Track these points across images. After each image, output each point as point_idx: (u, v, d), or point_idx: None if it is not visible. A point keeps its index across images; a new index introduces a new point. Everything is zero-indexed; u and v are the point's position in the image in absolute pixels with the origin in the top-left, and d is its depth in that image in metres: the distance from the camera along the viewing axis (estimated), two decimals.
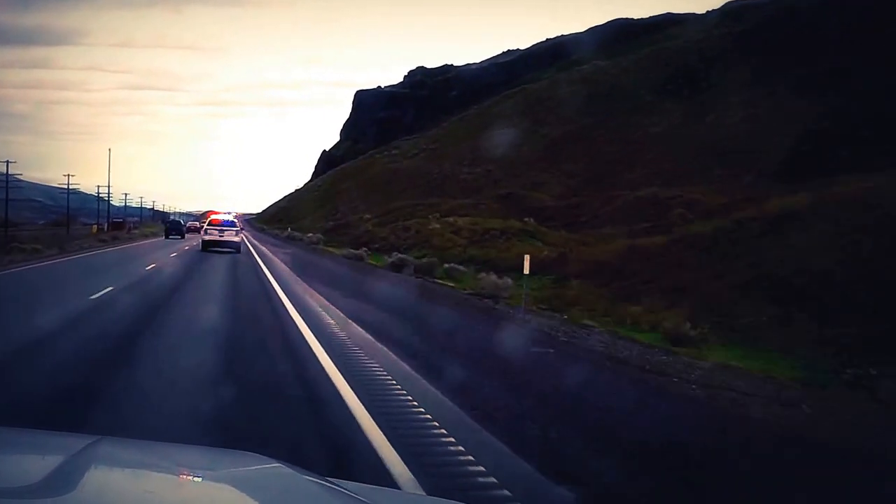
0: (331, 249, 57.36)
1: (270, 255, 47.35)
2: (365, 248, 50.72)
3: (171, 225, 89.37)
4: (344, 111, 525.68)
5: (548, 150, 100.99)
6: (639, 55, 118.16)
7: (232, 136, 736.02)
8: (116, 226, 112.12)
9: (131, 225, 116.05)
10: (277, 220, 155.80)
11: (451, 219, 53.25)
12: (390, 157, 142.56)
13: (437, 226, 47.40)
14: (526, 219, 48.93)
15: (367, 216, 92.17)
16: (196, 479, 2.89)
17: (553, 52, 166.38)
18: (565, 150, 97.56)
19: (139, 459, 3.06)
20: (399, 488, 6.28)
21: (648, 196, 62.55)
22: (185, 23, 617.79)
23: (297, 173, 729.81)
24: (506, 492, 6.83)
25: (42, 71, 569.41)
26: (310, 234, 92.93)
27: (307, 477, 2.93)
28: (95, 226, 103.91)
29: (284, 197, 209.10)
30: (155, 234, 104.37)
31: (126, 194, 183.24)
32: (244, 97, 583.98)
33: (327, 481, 2.96)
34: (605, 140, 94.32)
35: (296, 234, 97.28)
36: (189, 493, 2.71)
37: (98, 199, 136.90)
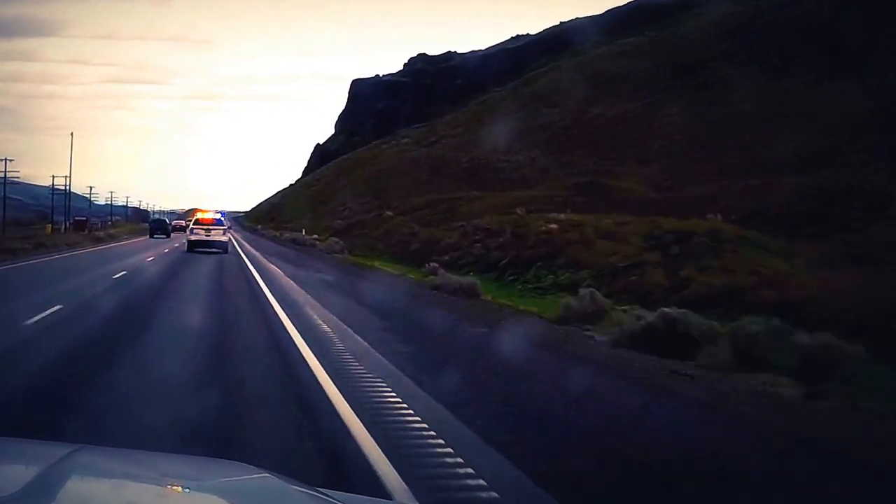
0: (377, 266, 36.49)
1: (293, 288, 25.36)
2: (434, 263, 30.29)
3: (155, 224, 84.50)
4: (338, 105, 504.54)
5: (603, 133, 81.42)
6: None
7: (220, 132, 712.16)
8: (78, 226, 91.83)
9: (93, 224, 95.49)
10: (270, 219, 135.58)
11: (560, 216, 33.42)
12: (399, 146, 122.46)
13: (554, 226, 28.26)
14: (712, 216, 29.13)
15: (389, 213, 72.51)
16: (181, 489, 2.72)
17: (560, 38, 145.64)
18: (628, 133, 77.99)
19: (121, 469, 2.88)
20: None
21: (810, 186, 42.89)
22: (173, 14, 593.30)
23: (287, 170, 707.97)
24: None
25: (23, 63, 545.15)
26: (315, 236, 73.19)
27: (296, 487, 2.81)
28: (50, 225, 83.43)
29: (276, 193, 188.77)
30: (134, 235, 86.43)
31: (112, 192, 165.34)
32: (233, 91, 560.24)
33: (318, 492, 2.81)
34: (683, 119, 74.85)
35: (296, 235, 77.66)
36: None
37: (63, 194, 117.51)
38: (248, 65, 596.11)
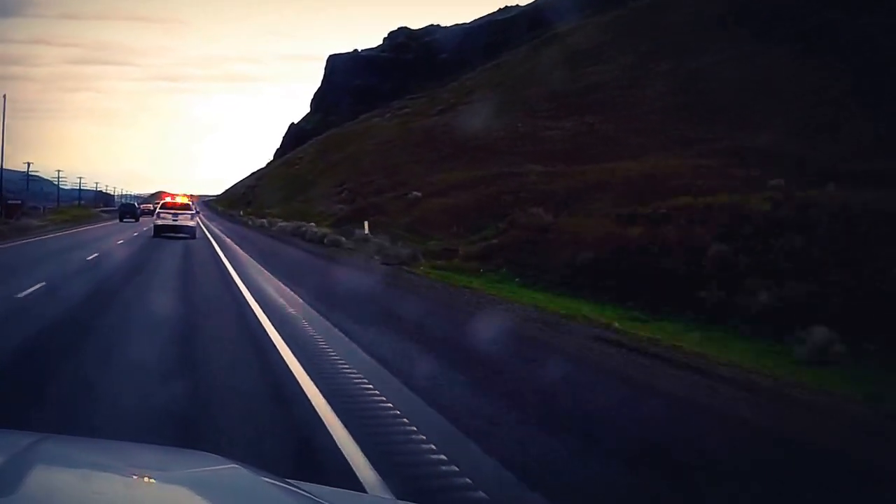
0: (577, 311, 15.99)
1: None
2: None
3: (124, 208, 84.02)
4: (311, 85, 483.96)
5: (683, 93, 62.35)
6: None
7: (188, 114, 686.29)
8: (9, 210, 71.09)
9: (28, 210, 74.69)
10: (246, 203, 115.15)
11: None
12: (399, 118, 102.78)
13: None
14: None
15: (416, 193, 53.13)
16: (148, 479, 2.66)
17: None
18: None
19: (87, 459, 2.76)
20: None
21: None
22: None
23: (260, 151, 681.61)
24: None
25: None
26: (312, 224, 53.75)
27: (266, 478, 2.71)
28: None
29: (251, 175, 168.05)
30: (81, 223, 66.27)
31: (81, 178, 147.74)
32: (202, 72, 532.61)
33: (287, 483, 2.72)
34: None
35: (296, 225, 57.66)
36: (141, 495, 2.51)
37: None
38: (215, 45, 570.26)
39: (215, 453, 3.19)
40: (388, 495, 5.64)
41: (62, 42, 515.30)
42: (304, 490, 2.68)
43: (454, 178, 56.01)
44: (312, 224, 57.27)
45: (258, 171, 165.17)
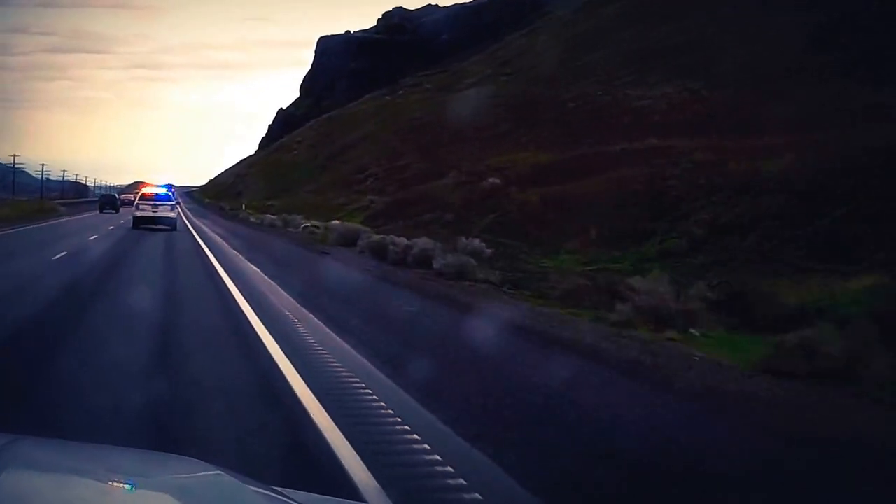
0: None
1: None
2: None
3: (104, 199, 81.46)
4: (298, 70, 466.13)
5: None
6: None
7: (169, 103, 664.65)
8: None
9: None
10: (236, 194, 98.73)
11: None
12: (421, 93, 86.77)
13: None
14: None
15: (494, 180, 36.94)
16: (127, 486, 2.48)
17: None
18: None
19: (62, 462, 2.61)
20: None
21: None
22: None
23: (244, 140, 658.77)
24: None
25: None
26: (335, 222, 37.68)
27: (250, 485, 2.57)
28: None
29: (240, 163, 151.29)
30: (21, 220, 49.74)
31: (43, 165, 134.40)
32: (182, 60, 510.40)
33: (274, 491, 2.60)
34: None
35: (292, 220, 40.92)
36: (118, 502, 2.36)
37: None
38: (195, 32, 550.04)
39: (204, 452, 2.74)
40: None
41: (39, 31, 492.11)
42: (290, 497, 2.59)
43: (539, 160, 40.16)
44: (336, 222, 41.16)
45: (247, 158, 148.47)
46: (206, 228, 41.53)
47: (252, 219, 50.77)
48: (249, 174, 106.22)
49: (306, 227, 39.18)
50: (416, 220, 38.29)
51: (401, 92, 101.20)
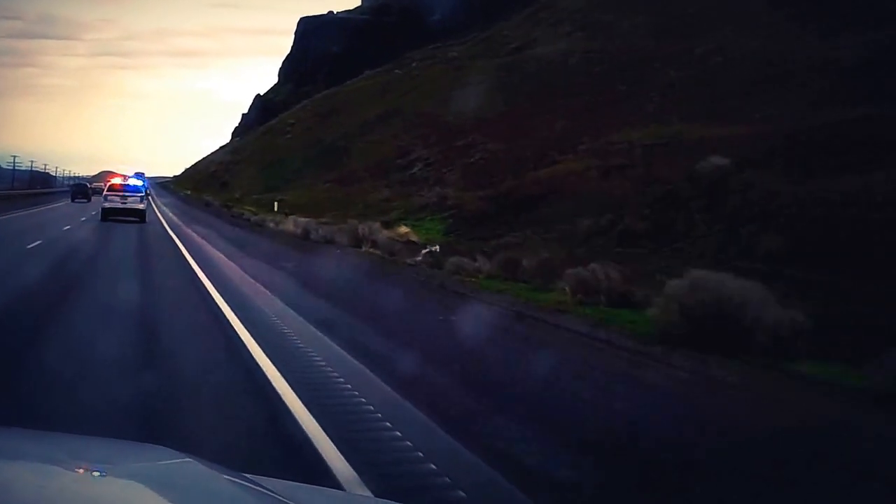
0: None
1: None
2: None
3: (76, 188, 79.60)
4: (272, 58, 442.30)
5: None
6: None
7: (137, 91, 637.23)
8: None
9: None
10: (220, 185, 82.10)
11: None
12: (447, 62, 70.77)
13: None
14: None
15: (719, 158, 21.25)
16: (96, 473, 2.40)
17: None
18: None
19: (29, 450, 2.53)
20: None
21: None
22: None
23: (218, 129, 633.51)
24: None
25: None
26: (388, 233, 21.84)
27: (221, 473, 2.49)
28: None
29: (219, 150, 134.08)
30: None
31: (15, 157, 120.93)
32: (151, 47, 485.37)
33: (244, 479, 2.50)
34: None
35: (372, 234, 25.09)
36: (87, 490, 2.27)
37: None
38: (164, 18, 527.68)
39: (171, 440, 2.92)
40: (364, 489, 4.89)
41: (3, 15, 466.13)
42: (263, 486, 2.51)
43: (710, 133, 24.55)
44: (409, 232, 25.26)
45: (226, 145, 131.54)
46: (235, 269, 22.36)
47: (277, 225, 32.94)
48: (236, 162, 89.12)
49: (412, 247, 22.14)
50: (551, 229, 22.60)
51: (414, 65, 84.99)
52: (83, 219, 37.04)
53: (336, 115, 75.55)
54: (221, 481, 2.43)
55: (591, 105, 36.78)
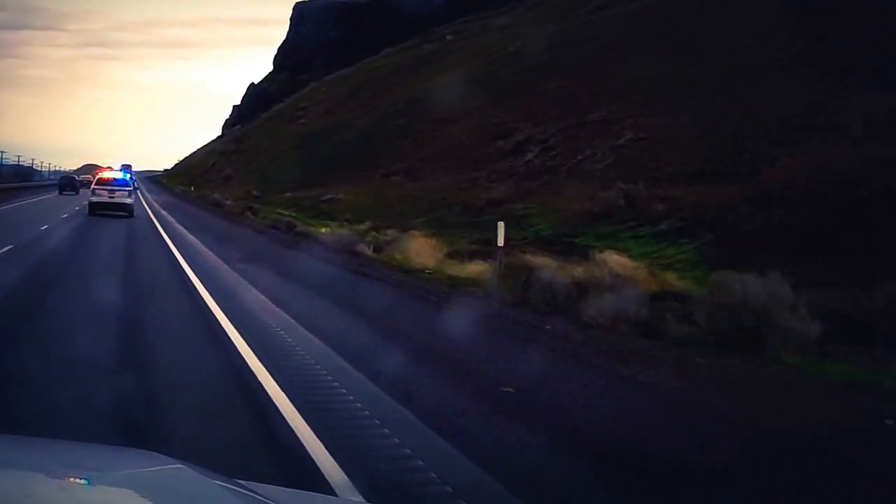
0: None
1: None
2: None
3: (64, 181, 77.90)
4: (263, 49, 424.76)
5: None
6: None
7: (123, 83, 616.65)
8: None
9: None
10: (223, 180, 69.15)
11: None
12: (496, 29, 57.96)
13: None
14: None
15: None
16: (86, 481, 2.30)
17: None
18: None
19: (18, 458, 2.41)
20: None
21: None
22: None
23: (208, 122, 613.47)
24: None
25: None
26: None
27: (212, 479, 2.38)
28: None
29: (217, 139, 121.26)
30: None
31: (3, 152, 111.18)
32: (137, 38, 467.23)
33: (236, 484, 2.39)
34: None
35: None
36: (78, 498, 2.19)
37: None
38: (151, 8, 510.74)
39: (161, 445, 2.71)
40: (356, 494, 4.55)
41: None
42: (255, 491, 2.40)
43: None
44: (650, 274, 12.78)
45: (229, 133, 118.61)
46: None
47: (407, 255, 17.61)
48: (240, 152, 75.52)
49: None
50: None
51: (448, 38, 72.23)
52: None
53: (361, 97, 62.72)
54: (214, 487, 2.31)
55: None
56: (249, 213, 32.30)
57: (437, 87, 43.80)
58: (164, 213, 37.34)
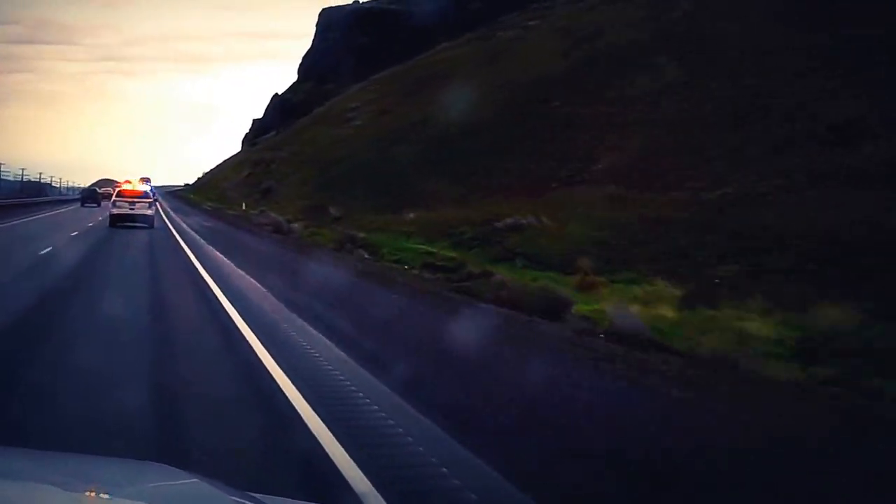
0: None
1: None
2: None
3: (86, 194, 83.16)
4: (281, 61, 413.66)
5: None
6: None
7: (140, 97, 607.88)
8: None
9: None
10: (262, 193, 57.68)
11: None
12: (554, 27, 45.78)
13: None
14: None
15: None
16: (104, 496, 2.25)
17: None
18: None
19: (35, 472, 2.36)
20: None
21: None
22: None
23: (227, 137, 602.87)
24: None
25: None
26: None
27: (229, 494, 2.33)
28: None
29: (249, 147, 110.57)
30: None
31: (23, 170, 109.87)
32: (153, 52, 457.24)
33: (251, 498, 2.36)
34: None
35: None
36: None
37: None
38: (167, 23, 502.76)
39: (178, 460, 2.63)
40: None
41: (1, 20, 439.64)
42: None
43: None
44: None
45: (263, 140, 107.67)
46: None
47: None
48: (285, 162, 63.31)
49: None
50: None
51: (532, 24, 60.55)
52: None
53: (425, 92, 51.09)
54: (228, 502, 2.26)
55: None
56: (361, 251, 19.48)
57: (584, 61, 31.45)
58: (214, 254, 23.19)
